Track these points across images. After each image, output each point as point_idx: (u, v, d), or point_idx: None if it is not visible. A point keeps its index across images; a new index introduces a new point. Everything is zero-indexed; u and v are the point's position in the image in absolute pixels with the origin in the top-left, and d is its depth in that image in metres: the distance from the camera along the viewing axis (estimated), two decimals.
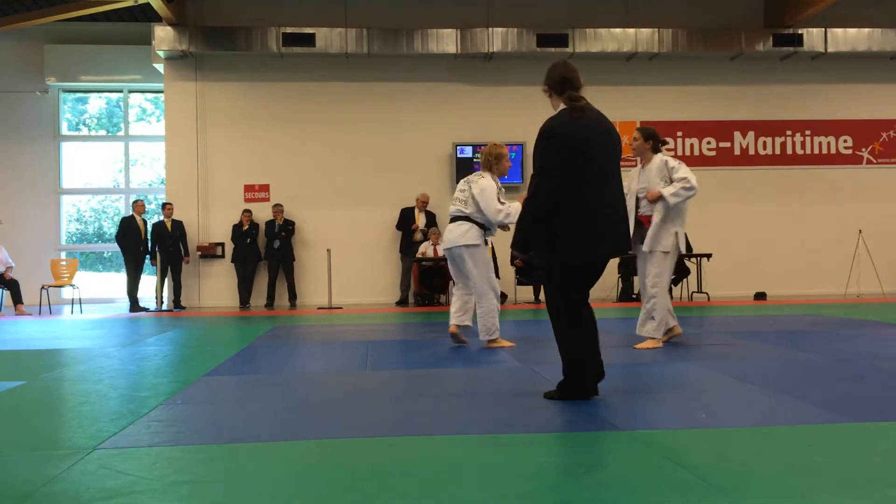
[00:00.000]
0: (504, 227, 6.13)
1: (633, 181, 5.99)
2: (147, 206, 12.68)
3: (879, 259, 12.85)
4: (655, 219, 5.84)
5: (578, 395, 3.83)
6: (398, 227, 12.65)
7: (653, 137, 6.01)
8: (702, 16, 13.30)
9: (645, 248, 5.88)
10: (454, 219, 6.10)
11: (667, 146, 6.18)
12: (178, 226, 12.31)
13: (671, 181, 5.80)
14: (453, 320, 6.19)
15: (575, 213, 3.72)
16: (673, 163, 5.88)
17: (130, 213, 12.27)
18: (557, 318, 3.87)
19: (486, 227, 6.08)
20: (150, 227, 12.12)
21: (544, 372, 4.83)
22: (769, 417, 3.52)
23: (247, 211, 12.53)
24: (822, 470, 2.68)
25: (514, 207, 5.89)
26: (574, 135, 3.74)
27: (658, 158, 5.94)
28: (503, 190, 6.12)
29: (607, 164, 3.83)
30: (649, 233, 5.87)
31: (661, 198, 5.79)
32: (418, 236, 12.44)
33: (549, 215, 3.72)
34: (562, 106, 3.89)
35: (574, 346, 3.84)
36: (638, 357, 5.46)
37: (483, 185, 5.99)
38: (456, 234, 6.03)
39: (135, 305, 11.73)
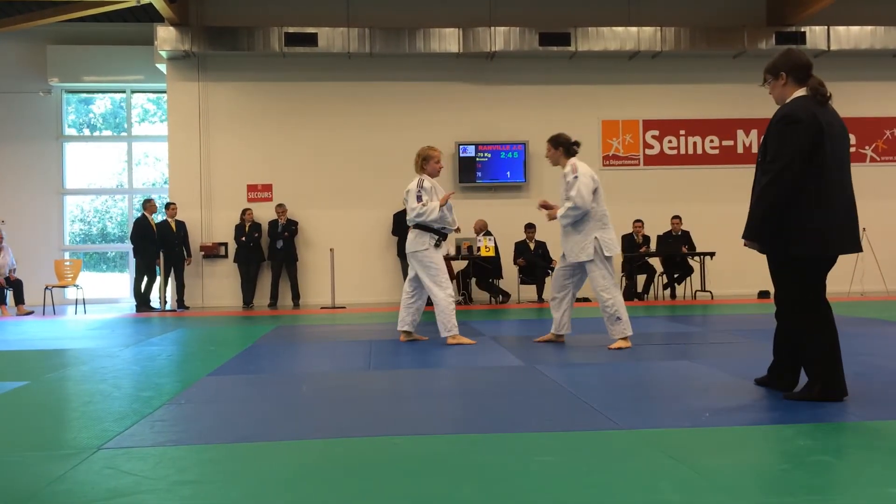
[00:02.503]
0: (439, 228, 6.30)
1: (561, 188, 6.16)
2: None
3: (883, 257, 12.82)
4: (563, 229, 6.00)
5: (830, 397, 3.63)
6: (394, 232, 12.58)
7: (562, 144, 6.05)
8: (704, 14, 13.28)
9: (568, 258, 6.00)
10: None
11: (579, 146, 6.20)
12: (181, 226, 12.33)
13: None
14: (398, 327, 6.59)
15: (810, 202, 3.57)
16: (570, 176, 5.87)
17: (141, 213, 12.24)
18: (799, 318, 3.75)
19: (433, 230, 6.27)
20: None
21: (547, 371, 4.83)
22: (772, 416, 3.52)
23: (247, 210, 12.54)
24: (826, 468, 2.68)
25: (430, 207, 6.22)
26: (818, 121, 3.60)
27: (567, 166, 5.97)
28: (437, 189, 6.35)
29: (843, 157, 3.70)
30: (562, 242, 6.03)
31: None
32: None
33: (787, 203, 3.57)
34: (798, 93, 3.73)
35: (820, 346, 3.69)
36: (641, 355, 5.46)
37: (408, 187, 6.40)
38: (408, 242, 6.43)
39: (145, 306, 11.73)
